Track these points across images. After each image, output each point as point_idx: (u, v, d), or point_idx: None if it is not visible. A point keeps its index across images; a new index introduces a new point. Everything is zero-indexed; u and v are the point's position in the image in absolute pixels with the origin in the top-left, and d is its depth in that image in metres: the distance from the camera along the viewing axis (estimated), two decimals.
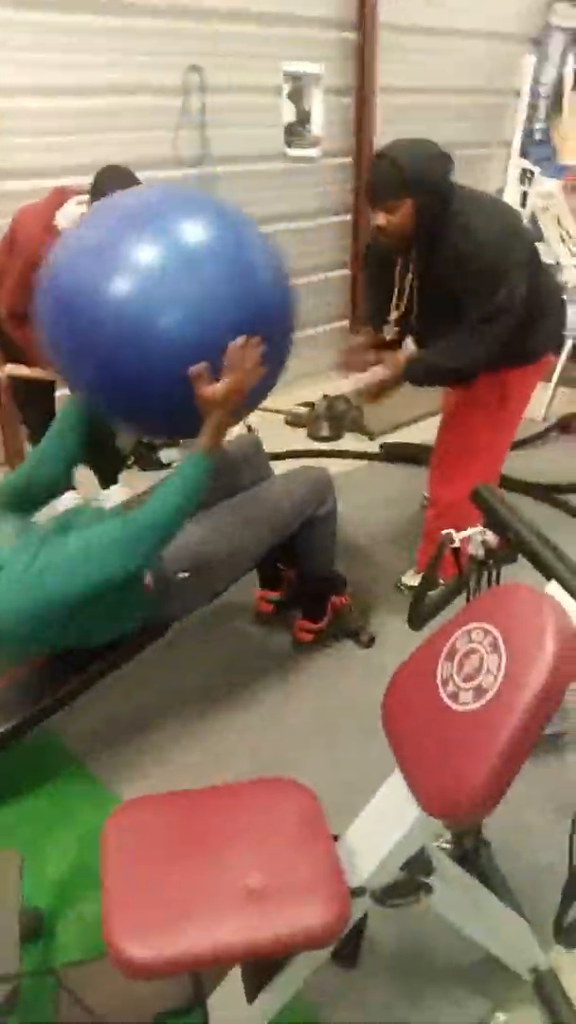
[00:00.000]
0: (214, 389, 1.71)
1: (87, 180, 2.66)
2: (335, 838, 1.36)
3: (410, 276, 2.42)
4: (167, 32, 3.77)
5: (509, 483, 3.43)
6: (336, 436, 4.26)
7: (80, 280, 1.72)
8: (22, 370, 2.89)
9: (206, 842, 1.32)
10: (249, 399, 1.82)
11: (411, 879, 1.32)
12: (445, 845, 1.74)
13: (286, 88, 4.33)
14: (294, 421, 4.37)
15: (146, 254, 1.70)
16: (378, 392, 2.54)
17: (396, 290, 2.48)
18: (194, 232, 1.76)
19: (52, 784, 2.12)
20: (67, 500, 3.32)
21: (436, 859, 1.35)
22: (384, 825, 1.31)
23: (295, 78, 4.35)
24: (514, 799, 1.86)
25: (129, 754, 2.22)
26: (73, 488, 3.37)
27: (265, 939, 1.19)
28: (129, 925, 1.19)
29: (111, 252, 1.71)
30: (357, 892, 1.28)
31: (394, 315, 2.53)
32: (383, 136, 4.66)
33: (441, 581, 1.50)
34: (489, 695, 1.13)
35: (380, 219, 2.24)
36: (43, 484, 2.01)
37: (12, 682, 2.11)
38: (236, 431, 3.60)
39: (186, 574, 2.08)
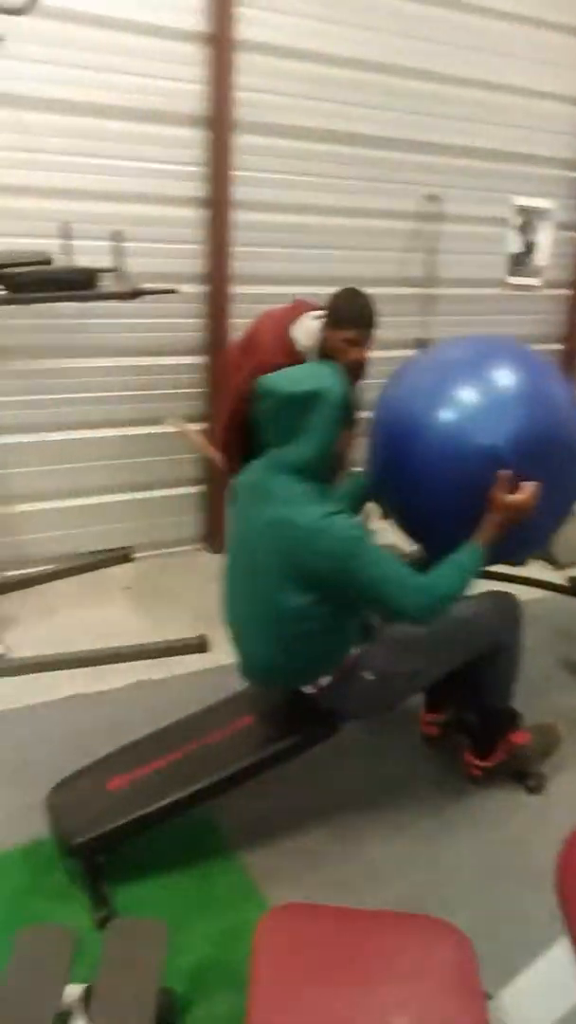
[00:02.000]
0: (505, 497, 1.96)
1: (316, 290, 2.86)
2: (487, 995, 1.29)
3: None
4: (406, 163, 4.08)
5: None
6: (520, 563, 4.16)
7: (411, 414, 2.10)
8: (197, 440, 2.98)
9: (355, 970, 1.29)
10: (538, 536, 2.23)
11: None
12: None
13: (516, 220, 4.48)
14: None
15: (467, 393, 2.03)
16: None
17: None
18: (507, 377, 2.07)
19: (200, 868, 2.13)
20: None
21: None
22: (544, 998, 1.23)
23: (525, 211, 4.50)
24: None
25: (279, 854, 2.21)
26: None
27: None
28: None
29: (439, 390, 2.08)
30: None
31: None
32: None
33: None
34: None
35: None
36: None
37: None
38: None
39: (372, 677, 2.10)
